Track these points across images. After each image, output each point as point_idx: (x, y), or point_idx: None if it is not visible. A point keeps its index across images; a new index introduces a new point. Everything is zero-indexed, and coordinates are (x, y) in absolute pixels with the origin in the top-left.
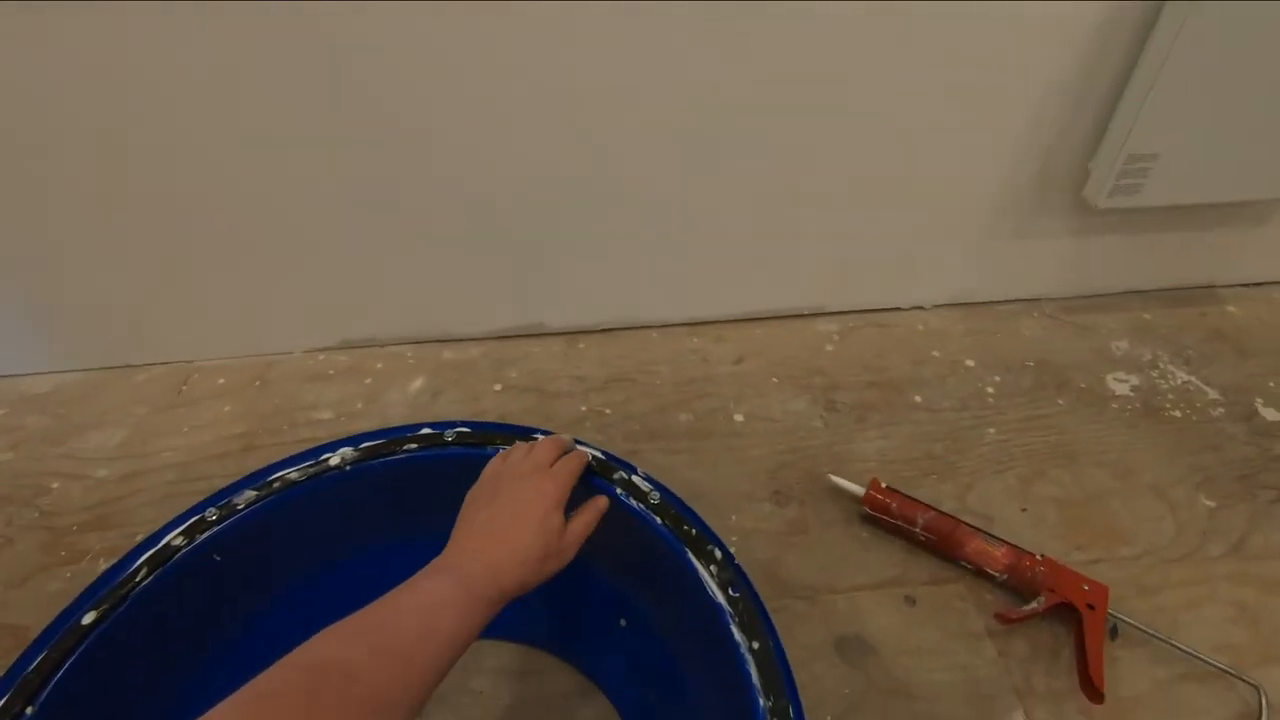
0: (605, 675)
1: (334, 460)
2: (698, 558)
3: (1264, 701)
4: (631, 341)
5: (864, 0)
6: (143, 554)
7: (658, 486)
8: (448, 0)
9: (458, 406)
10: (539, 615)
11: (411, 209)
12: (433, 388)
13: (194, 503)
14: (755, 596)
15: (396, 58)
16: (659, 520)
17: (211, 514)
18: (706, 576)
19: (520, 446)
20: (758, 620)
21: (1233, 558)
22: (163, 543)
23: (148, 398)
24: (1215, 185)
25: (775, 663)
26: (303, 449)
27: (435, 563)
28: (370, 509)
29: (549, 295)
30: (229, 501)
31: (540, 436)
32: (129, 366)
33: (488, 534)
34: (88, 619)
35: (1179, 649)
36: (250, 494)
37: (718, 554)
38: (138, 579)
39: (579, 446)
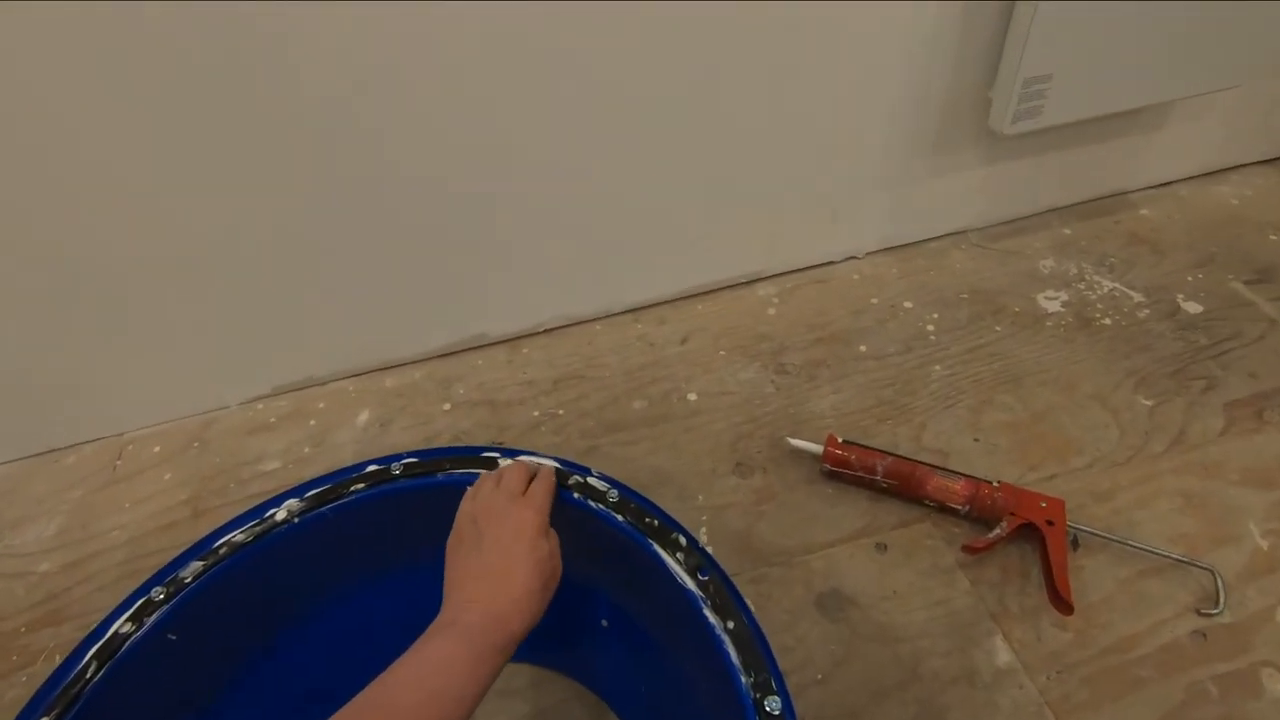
0: (596, 678)
1: (280, 515)
2: (663, 548)
3: (1219, 582)
4: (576, 338)
5: None
6: (90, 648)
7: (614, 484)
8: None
9: (410, 433)
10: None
11: (327, 239)
12: (380, 418)
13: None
14: (724, 577)
15: (296, 74)
16: (620, 518)
17: (158, 593)
18: (674, 565)
19: (487, 480)
20: (729, 600)
21: (1175, 451)
22: (110, 632)
23: (81, 479)
24: (1109, 96)
25: (752, 639)
26: (252, 504)
27: (436, 622)
28: (328, 557)
29: (485, 305)
30: (175, 576)
31: (496, 455)
32: (54, 450)
33: (482, 581)
34: None
35: (1136, 547)
36: (197, 565)
37: (682, 541)
38: (88, 676)
39: (542, 462)
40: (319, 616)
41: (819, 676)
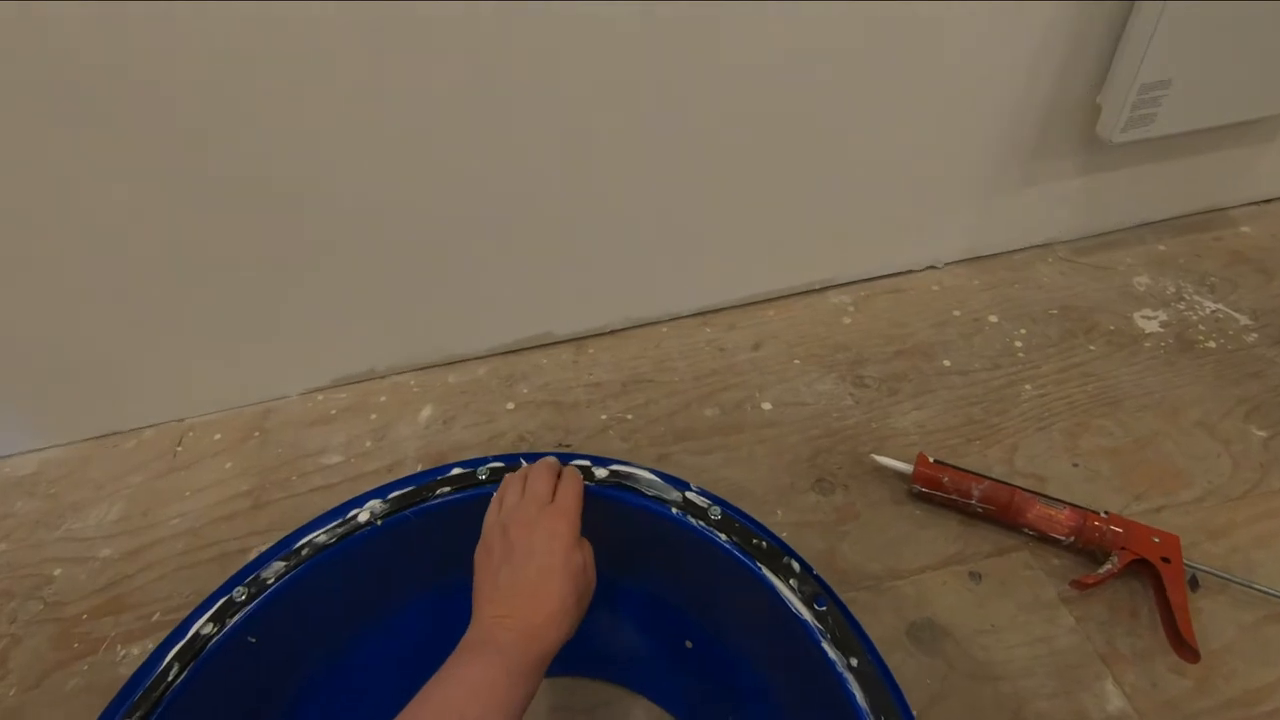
0: (675, 699)
1: (363, 516)
2: (774, 573)
3: None
4: (642, 340)
5: None
6: (170, 648)
7: (716, 501)
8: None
9: (473, 431)
10: (594, 644)
11: (394, 232)
12: (443, 415)
13: (207, 571)
14: (844, 607)
15: (384, 67)
16: (724, 538)
17: (240, 593)
18: (787, 592)
19: (511, 485)
20: (851, 635)
21: None
22: (191, 633)
23: (141, 465)
24: (1229, 106)
25: (879, 679)
26: (314, 498)
27: (464, 641)
28: (410, 562)
29: (552, 303)
30: (257, 576)
31: (589, 463)
32: (116, 434)
33: (514, 595)
34: None
35: (1262, 591)
36: (279, 565)
37: (795, 566)
38: (170, 678)
39: (566, 463)
40: (397, 621)
41: (916, 714)
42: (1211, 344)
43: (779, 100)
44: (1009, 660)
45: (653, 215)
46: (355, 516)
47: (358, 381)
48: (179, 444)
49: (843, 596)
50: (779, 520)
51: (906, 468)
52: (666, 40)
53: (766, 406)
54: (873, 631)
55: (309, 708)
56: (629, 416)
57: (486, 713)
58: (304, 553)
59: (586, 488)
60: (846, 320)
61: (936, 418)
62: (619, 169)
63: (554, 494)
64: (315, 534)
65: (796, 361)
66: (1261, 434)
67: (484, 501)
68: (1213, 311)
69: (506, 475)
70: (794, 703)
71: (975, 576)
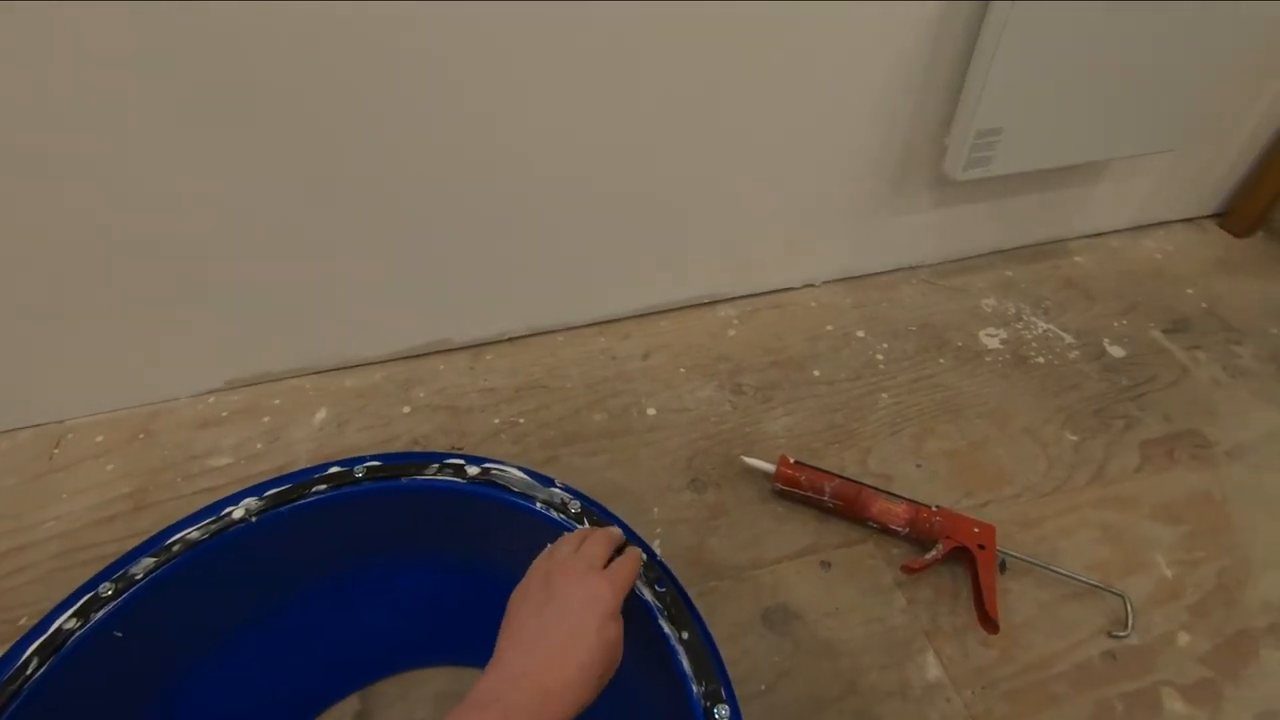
0: None
1: (238, 513)
2: None
3: (1129, 608)
4: (539, 348)
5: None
6: (31, 643)
7: (576, 495)
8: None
9: (367, 434)
10: (472, 634)
11: (288, 233)
12: (338, 418)
13: (83, 574)
14: (681, 589)
15: (282, 55)
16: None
17: (106, 589)
18: None
19: (568, 540)
20: (684, 611)
21: (1095, 485)
22: (53, 628)
23: (15, 467)
24: (1053, 152)
25: (704, 650)
26: (199, 500)
27: (476, 690)
28: (287, 559)
29: (451, 310)
30: (125, 572)
31: (462, 462)
32: None
33: (537, 651)
34: None
35: (1057, 573)
36: (148, 561)
37: (642, 555)
38: (28, 671)
39: (629, 544)
40: (275, 618)
41: (762, 687)
42: (1041, 359)
43: (673, 131)
44: (849, 639)
45: (553, 229)
46: (229, 513)
47: (251, 384)
48: (56, 446)
49: (707, 585)
50: (655, 517)
51: (770, 468)
52: (569, 60)
53: (651, 412)
54: (731, 616)
55: (187, 702)
56: (521, 421)
57: None
58: (175, 549)
59: (459, 487)
60: (731, 333)
61: (803, 423)
62: (523, 183)
63: (607, 563)
64: (188, 530)
65: (682, 370)
66: (1074, 439)
67: (362, 501)
68: (1044, 331)
69: (565, 533)
70: (639, 673)
71: (826, 565)
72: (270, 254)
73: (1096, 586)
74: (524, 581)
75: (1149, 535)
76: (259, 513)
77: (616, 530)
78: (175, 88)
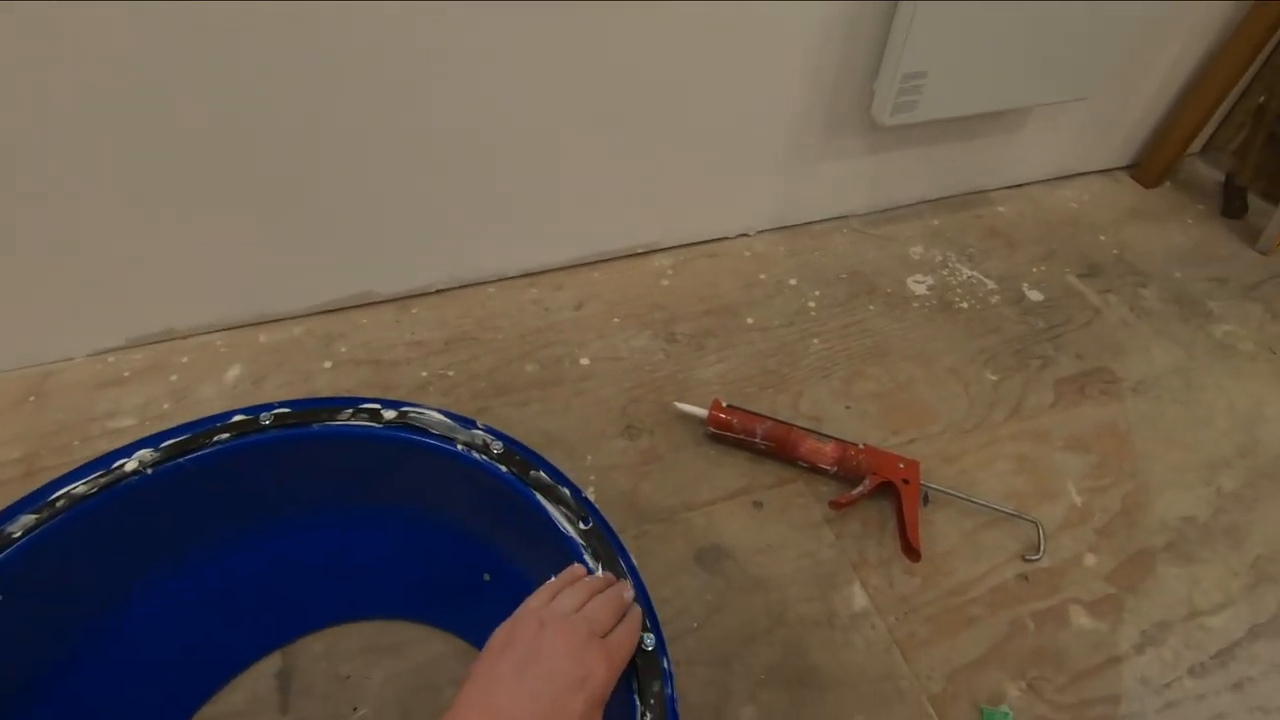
0: (478, 632)
1: (130, 465)
2: (547, 499)
3: (1041, 533)
4: (469, 300)
5: None
6: None
7: (500, 437)
8: None
9: (286, 391)
10: (398, 586)
11: (198, 174)
12: (253, 375)
13: None
14: (606, 525)
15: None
16: (504, 469)
17: None
18: (557, 515)
19: (575, 589)
20: (609, 548)
21: (1013, 420)
22: None
23: None
24: (976, 97)
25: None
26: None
27: None
28: (189, 514)
29: (372, 261)
30: (2, 531)
31: (378, 406)
32: None
33: (501, 715)
34: None
35: (976, 503)
36: (28, 519)
37: (566, 493)
38: None
39: (636, 606)
40: (176, 577)
41: (695, 624)
42: (965, 304)
43: (602, 73)
44: (779, 574)
45: (480, 177)
46: (121, 466)
47: (156, 342)
48: None
49: (640, 529)
50: (588, 464)
51: (702, 413)
52: (496, 5)
53: (585, 362)
54: (664, 557)
55: (88, 666)
56: (450, 373)
57: None
58: (59, 504)
59: (374, 432)
60: (665, 282)
61: (736, 369)
62: (448, 128)
63: (609, 630)
64: (74, 485)
65: (616, 320)
66: (994, 378)
67: (270, 450)
68: (968, 277)
69: (577, 574)
70: None
71: (757, 505)
72: (162, 197)
73: (1012, 514)
74: (512, 621)
75: (1060, 465)
76: (154, 464)
77: (630, 589)
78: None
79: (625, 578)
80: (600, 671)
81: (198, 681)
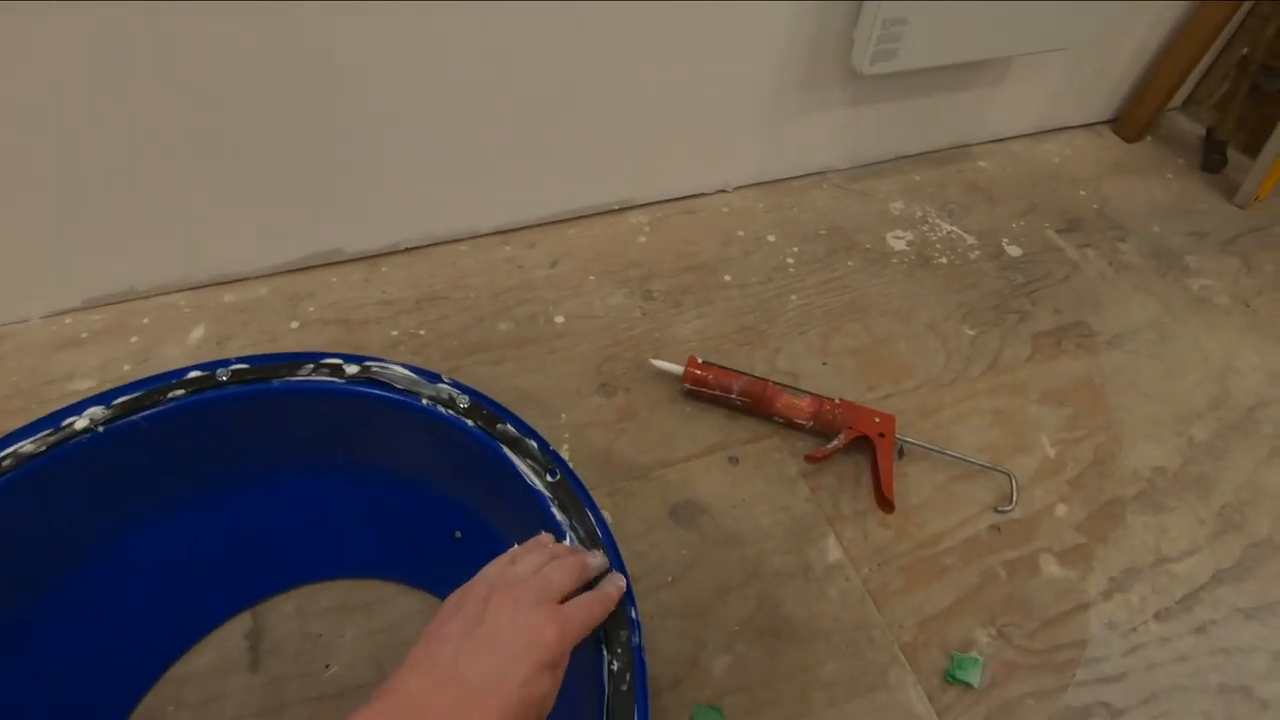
0: (450, 589)
1: (80, 423)
2: (514, 453)
3: (1014, 485)
4: (440, 258)
5: None
6: None
7: (466, 391)
8: None
9: (251, 351)
10: (368, 546)
11: (151, 126)
12: (218, 335)
13: None
14: (573, 477)
15: None
16: (471, 423)
17: None
18: (524, 468)
19: (533, 552)
20: (576, 499)
21: (989, 375)
22: None
23: None
24: (957, 46)
25: (595, 532)
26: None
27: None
28: (143, 474)
29: (340, 219)
30: None
31: (339, 361)
32: None
33: (443, 687)
34: None
35: (950, 456)
36: None
37: (533, 445)
38: None
39: (616, 577)
40: (136, 537)
41: (670, 579)
42: (944, 260)
43: (575, 27)
44: (754, 529)
45: (451, 131)
46: (71, 424)
47: (116, 303)
48: None
49: (616, 486)
50: (563, 423)
51: (678, 369)
52: None
53: (560, 320)
54: (639, 514)
55: (45, 624)
56: (421, 332)
57: None
58: (6, 464)
59: (336, 388)
60: (642, 239)
61: (714, 326)
62: (416, 80)
63: (567, 596)
64: (21, 444)
65: (591, 277)
66: (971, 333)
67: (228, 407)
68: (948, 233)
69: (543, 541)
70: None
71: (733, 461)
72: (118, 155)
73: (986, 467)
74: (466, 587)
75: (1035, 418)
76: (106, 422)
77: (600, 557)
78: None
79: (596, 536)
80: (549, 636)
81: (164, 642)
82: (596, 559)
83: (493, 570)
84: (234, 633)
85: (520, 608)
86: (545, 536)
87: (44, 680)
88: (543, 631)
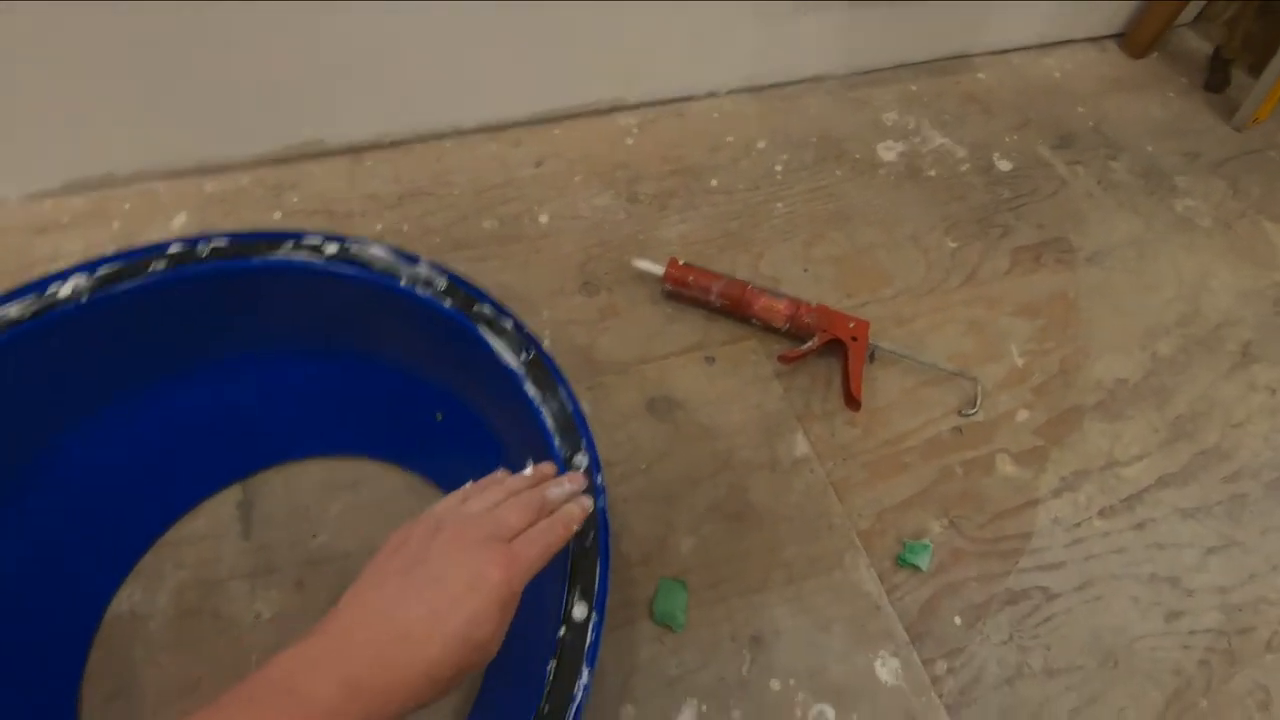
0: (433, 468)
1: (64, 291)
2: (489, 332)
3: (979, 390)
4: (424, 153)
5: None
6: None
7: (444, 272)
8: None
9: None
10: (350, 425)
11: (137, 8)
12: (199, 223)
13: None
14: (546, 357)
15: None
16: (448, 304)
17: None
18: (499, 347)
19: (490, 490)
20: (550, 378)
21: (967, 286)
22: None
23: None
24: None
25: (565, 408)
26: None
27: (278, 659)
28: (125, 347)
29: (323, 108)
30: None
31: (319, 241)
32: None
33: (378, 625)
34: None
35: (920, 362)
36: None
37: (508, 325)
38: None
39: (583, 499)
40: (122, 409)
41: (643, 466)
42: (933, 172)
43: None
44: (727, 424)
45: (430, 19)
46: (55, 292)
47: (95, 188)
48: None
49: (595, 380)
50: (544, 319)
51: (660, 270)
52: None
53: (544, 219)
54: (616, 406)
55: (38, 489)
56: (404, 228)
57: None
58: None
59: (315, 266)
60: (629, 141)
61: (698, 230)
62: None
63: (519, 533)
64: (5, 308)
65: (577, 178)
66: (953, 245)
67: (209, 281)
68: (940, 145)
69: (498, 478)
70: (513, 442)
71: (710, 360)
72: (104, 33)
73: (954, 373)
74: (412, 522)
75: (1007, 329)
76: (90, 291)
77: (567, 485)
78: None
79: (568, 414)
80: (496, 575)
81: (157, 508)
82: (560, 489)
83: (441, 508)
84: (226, 502)
85: (465, 547)
86: (501, 473)
87: (45, 540)
88: (486, 572)
